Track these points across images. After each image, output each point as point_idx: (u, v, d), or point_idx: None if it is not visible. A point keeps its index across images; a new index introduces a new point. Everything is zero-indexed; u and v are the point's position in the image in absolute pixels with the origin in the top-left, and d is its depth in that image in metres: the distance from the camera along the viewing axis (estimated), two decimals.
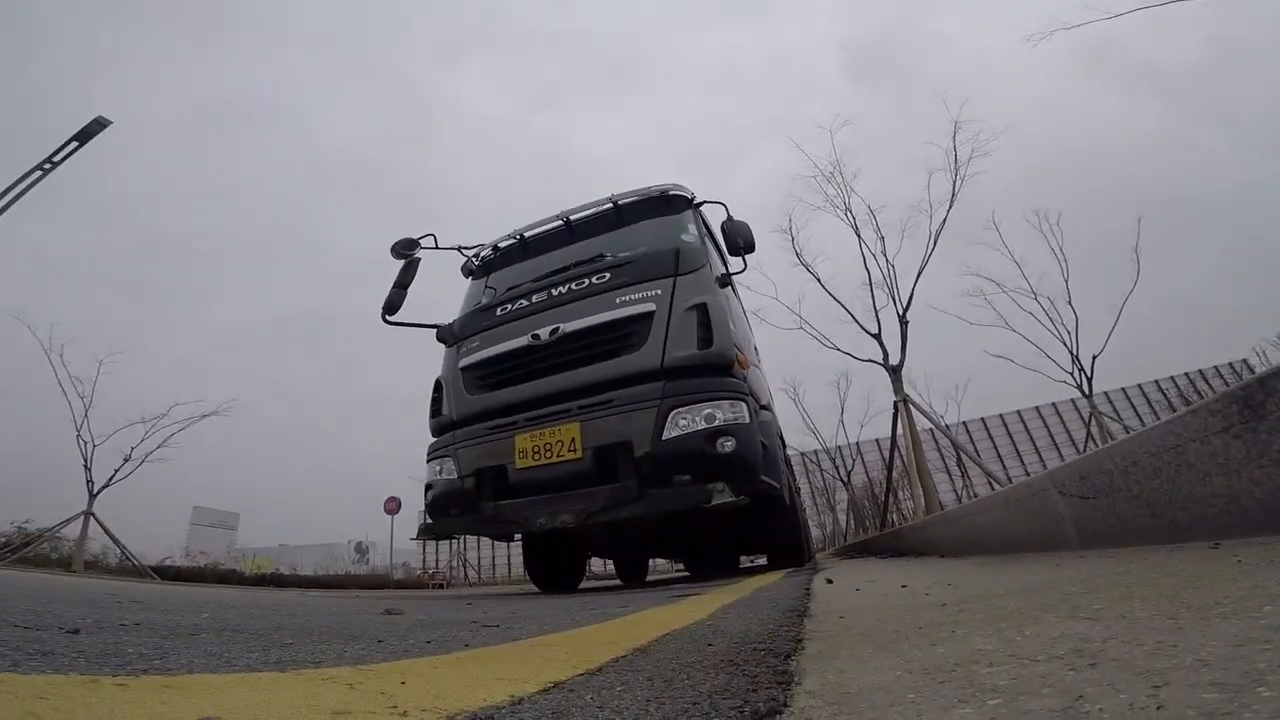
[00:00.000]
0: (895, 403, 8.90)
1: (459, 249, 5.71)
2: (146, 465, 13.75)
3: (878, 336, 9.50)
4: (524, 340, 4.67)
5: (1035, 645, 0.71)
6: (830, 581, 2.21)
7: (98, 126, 13.25)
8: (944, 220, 9.62)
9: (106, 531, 13.14)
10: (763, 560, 7.17)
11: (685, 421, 4.08)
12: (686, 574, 11.25)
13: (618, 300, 4.51)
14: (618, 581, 9.20)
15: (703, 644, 1.09)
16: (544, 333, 4.60)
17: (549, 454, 4.30)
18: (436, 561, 25.59)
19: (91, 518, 12.75)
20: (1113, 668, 0.56)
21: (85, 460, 13.00)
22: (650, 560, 11.18)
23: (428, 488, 4.95)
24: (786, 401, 21.96)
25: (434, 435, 5.13)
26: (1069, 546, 1.97)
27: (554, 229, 5.49)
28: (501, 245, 5.69)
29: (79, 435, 13.05)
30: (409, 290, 5.44)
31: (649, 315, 4.41)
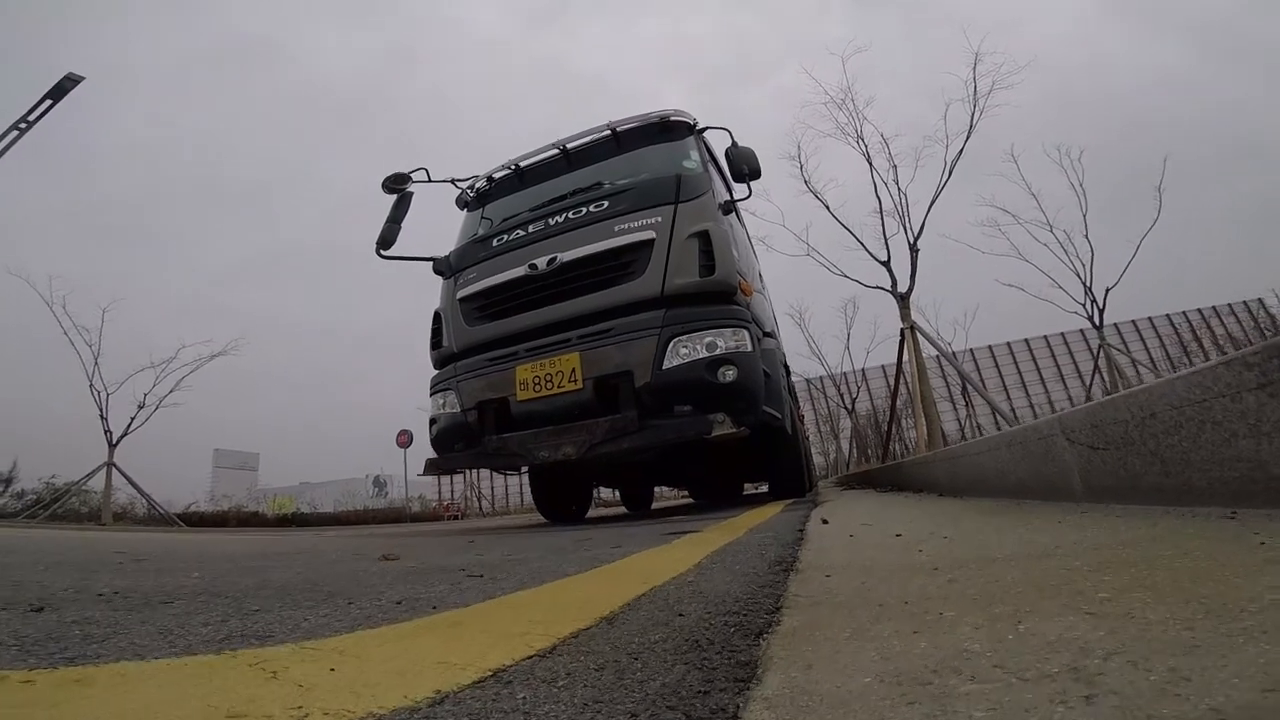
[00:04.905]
0: (902, 330, 8.77)
1: (452, 181, 5.51)
2: (164, 411, 14.05)
3: (887, 264, 9.34)
4: (521, 270, 4.56)
5: (1028, 651, 0.63)
6: (825, 522, 2.18)
7: (70, 83, 12.66)
8: (960, 151, 9.39)
9: (130, 481, 13.52)
10: (766, 488, 7.32)
11: (686, 350, 4.00)
12: (691, 501, 11.60)
13: (616, 228, 4.34)
14: (624, 510, 9.50)
15: (674, 612, 1.04)
16: (541, 262, 4.47)
17: (549, 385, 4.27)
18: (452, 494, 26.53)
19: (114, 468, 13.06)
20: (1110, 707, 0.48)
21: (101, 410, 13.20)
22: (656, 488, 11.46)
23: (432, 421, 4.99)
24: (792, 327, 21.80)
25: (435, 367, 5.13)
26: (1073, 497, 1.89)
27: (551, 158, 5.26)
28: (496, 176, 5.48)
29: (91, 385, 13.20)
30: (403, 224, 5.30)
31: (649, 243, 4.24)
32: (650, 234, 4.23)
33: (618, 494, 11.63)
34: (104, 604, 1.19)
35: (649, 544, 2.01)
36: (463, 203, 5.62)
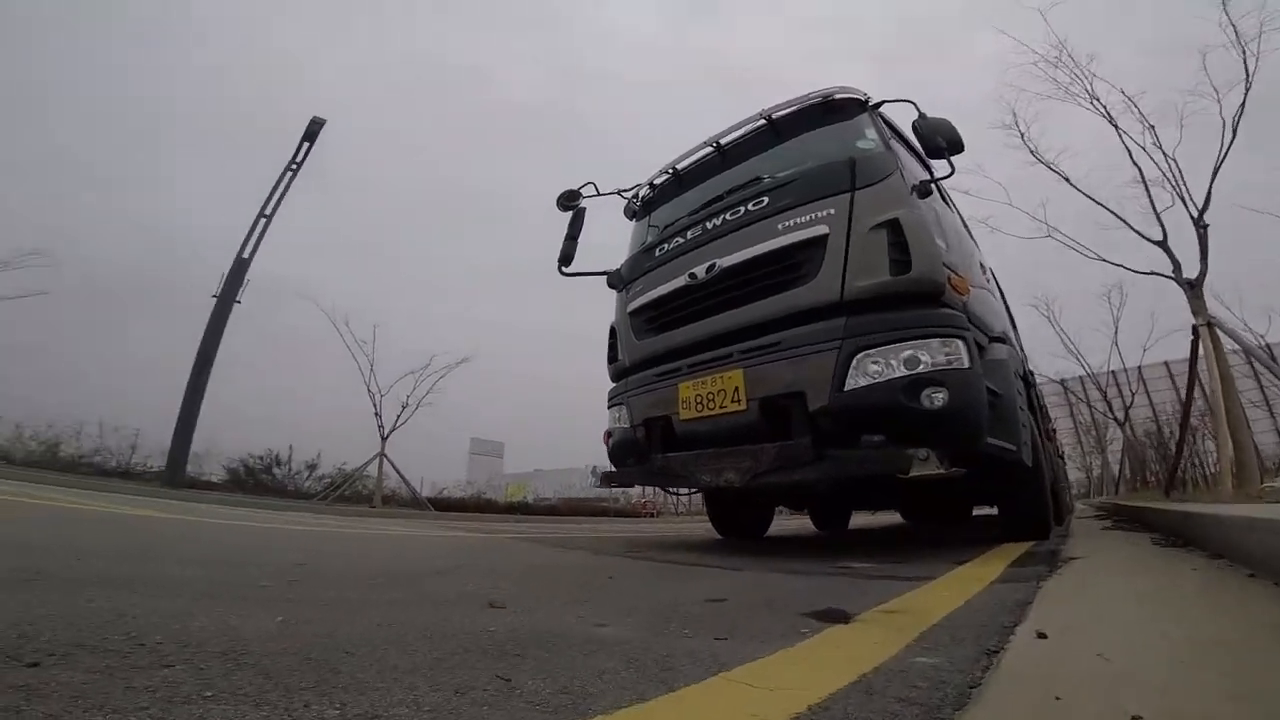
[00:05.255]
0: (1195, 327, 6.57)
1: (618, 192, 5.50)
2: (425, 409, 16.91)
3: (1163, 244, 7.20)
4: (681, 280, 4.31)
5: None
6: (1042, 636, 1.43)
7: (317, 126, 15.88)
8: (1241, 105, 7.54)
9: (396, 470, 16.52)
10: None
11: (876, 367, 3.32)
12: (901, 521, 10.19)
13: (780, 226, 3.82)
14: (810, 525, 8.65)
15: None
16: (700, 270, 4.15)
17: (711, 404, 3.92)
18: (676, 494, 27.83)
19: (384, 459, 16.09)
20: None
21: (376, 409, 16.40)
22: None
23: (607, 435, 5.00)
24: (1037, 322, 18.27)
25: (612, 381, 5.14)
26: None
27: (706, 157, 4.91)
28: (657, 181, 5.33)
29: (368, 388, 16.47)
30: (579, 239, 5.40)
31: (821, 240, 3.65)
32: (822, 229, 3.63)
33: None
34: (130, 657, 1.15)
35: (761, 632, 1.55)
36: (630, 212, 5.58)
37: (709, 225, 4.27)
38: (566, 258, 5.31)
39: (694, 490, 5.60)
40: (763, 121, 4.46)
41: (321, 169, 17.62)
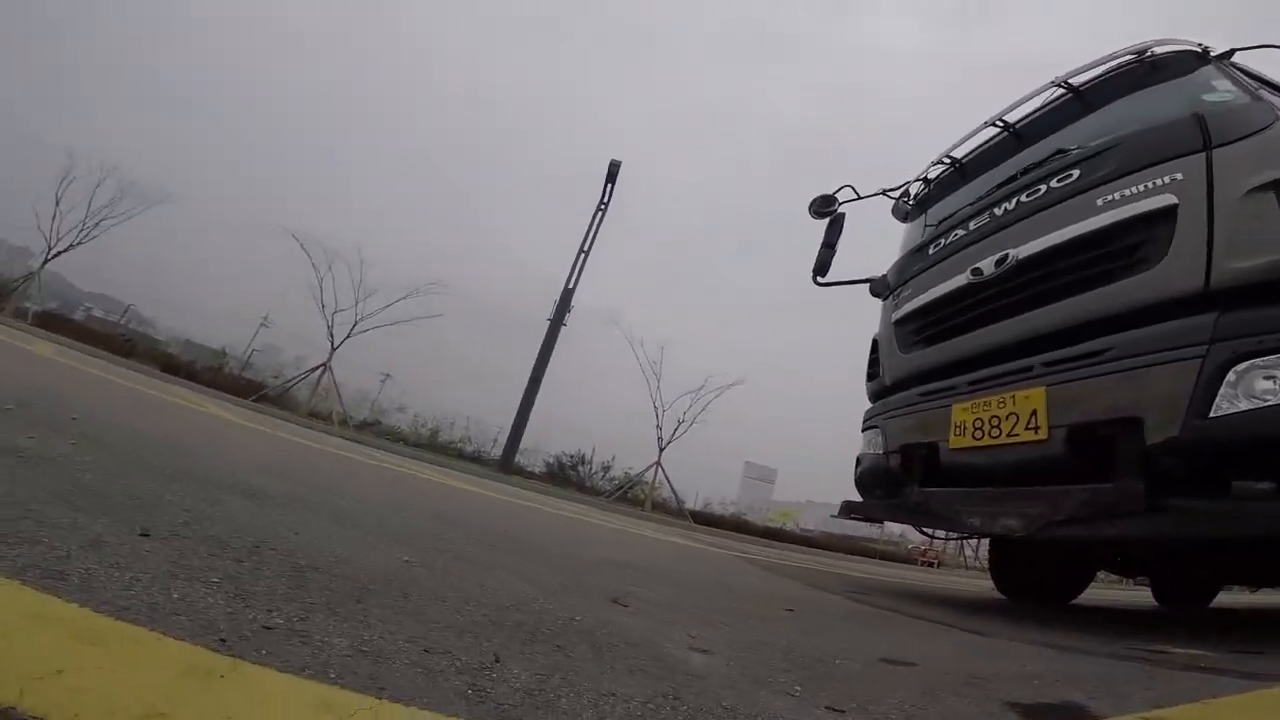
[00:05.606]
0: None
1: (883, 192, 4.94)
2: (699, 427, 17.88)
3: None
4: (962, 279, 3.61)
5: None
6: None
7: (615, 167, 18.00)
8: None
9: (667, 480, 17.72)
10: None
11: (1268, 384, 2.26)
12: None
13: (1099, 202, 2.93)
14: (1149, 597, 6.16)
15: None
16: (987, 264, 3.42)
17: (995, 431, 3.17)
18: (932, 536, 24.09)
19: (659, 468, 17.39)
20: None
21: (657, 422, 17.93)
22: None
23: (857, 461, 4.49)
24: None
25: (870, 401, 4.63)
26: None
27: (993, 140, 4.09)
28: (932, 175, 4.63)
29: (653, 403, 18.12)
30: (837, 247, 5.03)
31: (1168, 212, 2.68)
32: (1168, 199, 2.64)
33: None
34: None
35: (910, 716, 1.09)
36: (901, 213, 4.96)
37: (998, 211, 3.50)
38: (822, 267, 4.95)
39: (967, 536, 4.61)
40: (1062, 90, 3.52)
41: (621, 205, 20.05)
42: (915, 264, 4.19)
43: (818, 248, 5.06)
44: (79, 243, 18.32)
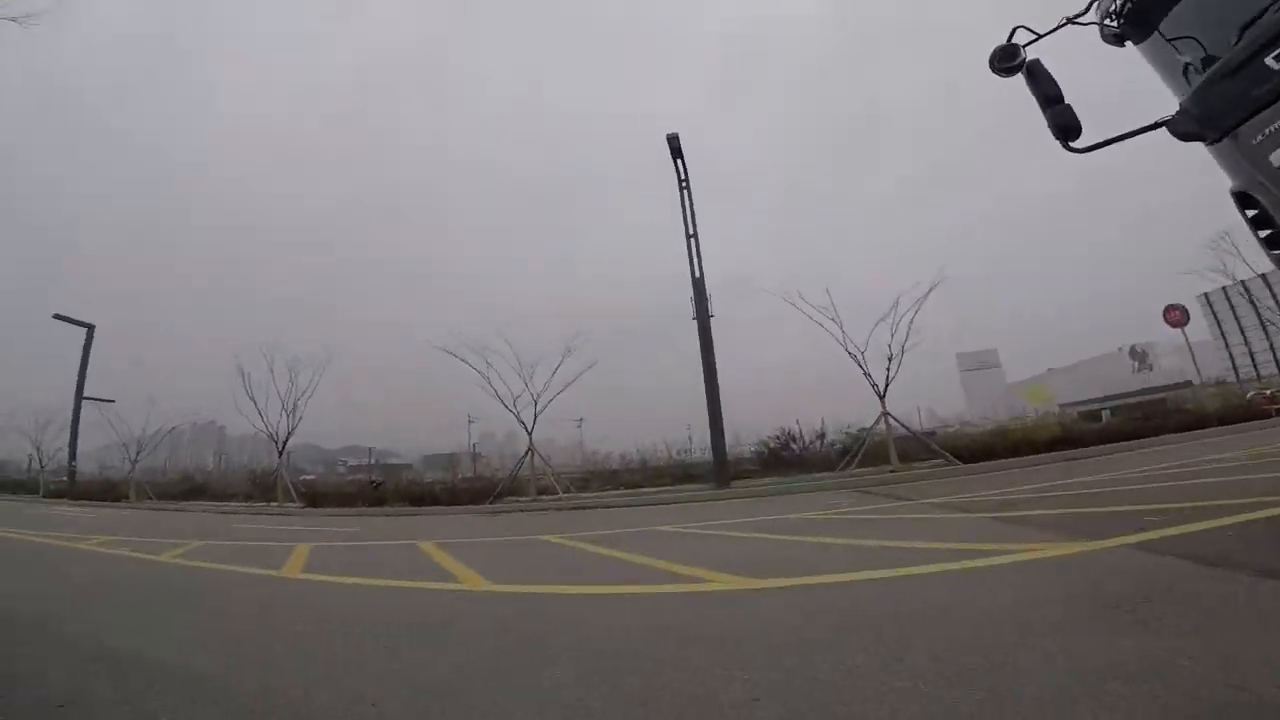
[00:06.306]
0: None
1: (1069, 21, 3.48)
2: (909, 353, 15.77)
3: None
4: None
5: None
6: None
7: (675, 140, 17.38)
8: None
9: (898, 423, 15.90)
10: None
11: None
12: None
13: None
14: None
15: None
16: None
17: None
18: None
19: (888, 417, 15.51)
20: None
21: (862, 367, 16.17)
22: None
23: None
24: None
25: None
26: None
27: None
28: None
29: (845, 349, 16.34)
30: (1063, 97, 3.58)
31: None
32: None
33: None
34: None
35: None
36: (1112, 34, 3.46)
37: None
38: (1067, 127, 3.50)
39: None
40: None
41: (700, 176, 18.63)
42: (1248, 81, 2.75)
43: (1043, 111, 3.64)
44: (294, 429, 21.14)
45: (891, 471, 13.82)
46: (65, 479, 28.69)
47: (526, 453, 17.88)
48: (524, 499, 16.62)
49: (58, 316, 29.10)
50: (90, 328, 29.53)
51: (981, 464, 13.49)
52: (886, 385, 15.63)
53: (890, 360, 15.65)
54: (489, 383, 18.07)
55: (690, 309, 17.43)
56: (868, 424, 16.65)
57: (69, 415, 28.63)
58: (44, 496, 26.46)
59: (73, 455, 28.96)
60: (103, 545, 8.18)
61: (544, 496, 16.92)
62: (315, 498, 19.61)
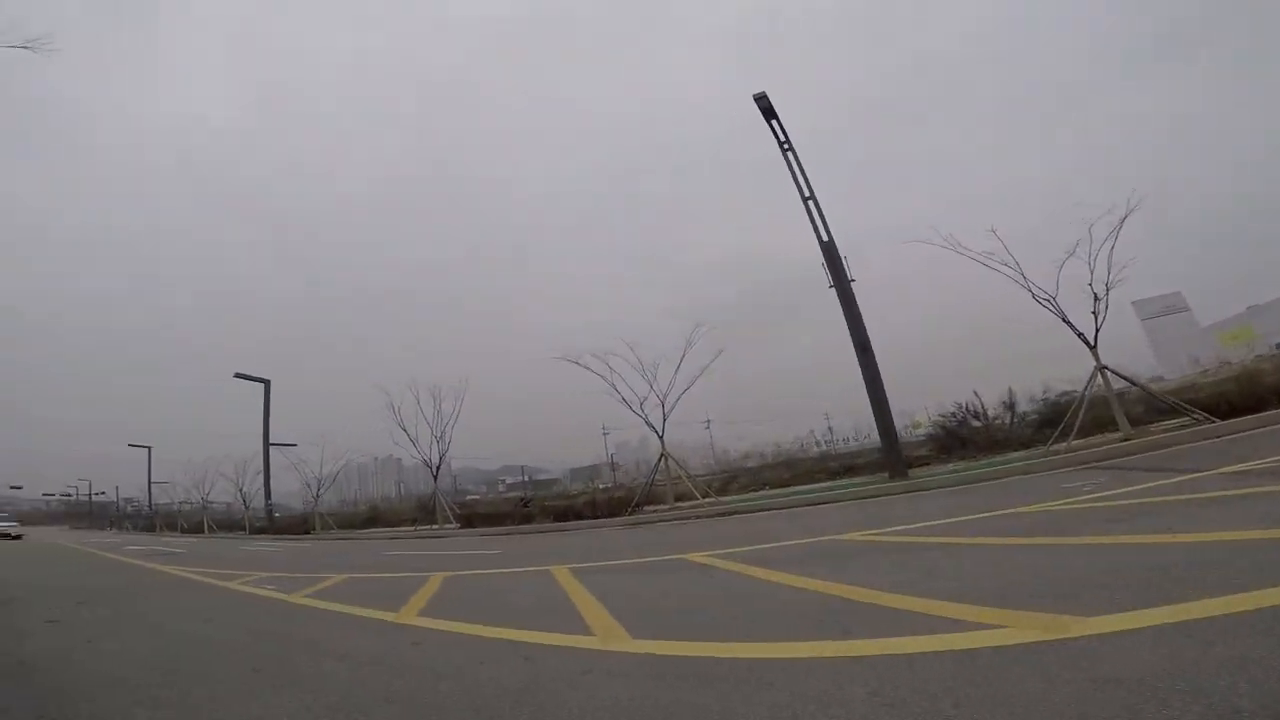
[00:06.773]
0: None
1: None
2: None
3: None
4: None
5: None
6: None
7: (764, 99, 14.05)
8: None
9: (1122, 378, 12.58)
10: None
11: None
12: None
13: None
14: None
15: None
16: None
17: None
18: None
19: (1103, 372, 12.36)
20: None
21: (1062, 315, 13.00)
22: None
23: None
24: None
25: None
26: None
27: None
28: None
29: (1030, 292, 13.22)
30: None
31: None
32: None
33: None
34: None
35: None
36: None
37: None
38: None
39: None
40: None
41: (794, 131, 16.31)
42: None
43: None
44: (445, 455, 22.31)
45: (1125, 440, 10.63)
46: (264, 517, 32.28)
47: (660, 458, 16.64)
48: (662, 507, 15.46)
49: (238, 375, 32.97)
50: (266, 383, 33.12)
51: (1242, 418, 9.97)
52: (1096, 334, 12.31)
53: (1096, 301, 12.30)
54: (614, 388, 17.14)
55: (825, 276, 15.13)
56: (1063, 387, 13.29)
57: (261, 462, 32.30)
58: (250, 534, 29.87)
59: (267, 495, 32.51)
60: (247, 584, 8.00)
61: (682, 503, 15.60)
62: (471, 518, 20.09)
